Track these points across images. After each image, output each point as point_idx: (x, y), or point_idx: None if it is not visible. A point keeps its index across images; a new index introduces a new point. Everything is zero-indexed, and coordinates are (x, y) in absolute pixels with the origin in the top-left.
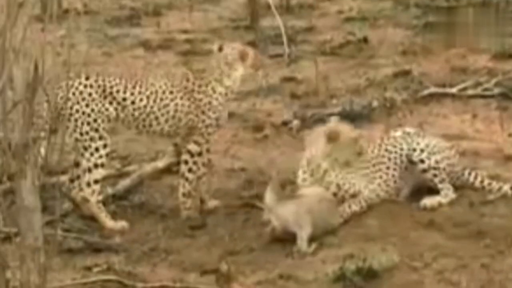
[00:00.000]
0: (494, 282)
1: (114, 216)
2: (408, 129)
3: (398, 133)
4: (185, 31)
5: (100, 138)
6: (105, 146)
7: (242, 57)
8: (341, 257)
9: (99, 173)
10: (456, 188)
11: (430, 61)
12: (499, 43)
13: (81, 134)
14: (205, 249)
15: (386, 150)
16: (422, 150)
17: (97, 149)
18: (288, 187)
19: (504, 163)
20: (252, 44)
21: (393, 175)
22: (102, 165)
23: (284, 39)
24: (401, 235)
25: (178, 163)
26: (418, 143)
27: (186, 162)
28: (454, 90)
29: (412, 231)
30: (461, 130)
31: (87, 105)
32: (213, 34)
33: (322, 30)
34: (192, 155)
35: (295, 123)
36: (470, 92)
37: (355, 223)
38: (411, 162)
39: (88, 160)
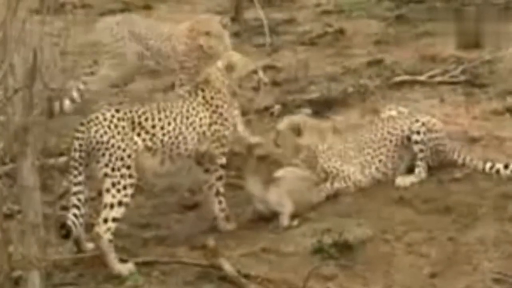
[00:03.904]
0: (460, 253)
1: None
2: (401, 109)
3: (393, 112)
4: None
5: (130, 176)
6: (132, 185)
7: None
8: (319, 231)
9: (120, 212)
10: (430, 167)
11: (401, 50)
12: (465, 34)
13: (113, 169)
14: (193, 225)
15: (389, 132)
16: (423, 124)
17: (125, 187)
18: (266, 166)
19: (469, 144)
20: (236, 34)
21: (393, 157)
22: (126, 205)
23: (266, 30)
24: (375, 211)
25: None
26: (418, 120)
27: (220, 178)
28: (423, 77)
29: (384, 207)
30: (430, 114)
31: (122, 140)
32: None
33: (301, 22)
34: (223, 167)
35: (276, 108)
36: (438, 78)
37: (333, 200)
38: (409, 139)
39: (114, 196)
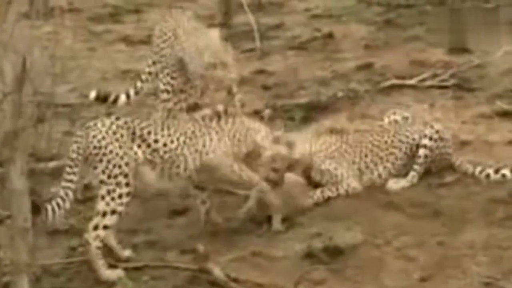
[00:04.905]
0: (449, 257)
1: None
2: (405, 114)
3: (398, 116)
4: None
5: (127, 184)
6: (128, 194)
7: None
8: (309, 235)
9: (112, 220)
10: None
11: (391, 54)
12: (454, 38)
13: (109, 176)
14: (183, 230)
15: (400, 140)
16: (437, 132)
17: (120, 196)
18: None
19: (459, 147)
20: (226, 39)
21: (398, 164)
22: (120, 213)
23: (256, 34)
24: (365, 215)
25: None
26: (433, 126)
27: None
28: (413, 81)
29: (375, 211)
30: (420, 118)
31: (120, 147)
32: None
33: (290, 27)
34: None
35: (266, 112)
36: (428, 83)
37: (323, 204)
38: (418, 146)
39: (107, 204)
